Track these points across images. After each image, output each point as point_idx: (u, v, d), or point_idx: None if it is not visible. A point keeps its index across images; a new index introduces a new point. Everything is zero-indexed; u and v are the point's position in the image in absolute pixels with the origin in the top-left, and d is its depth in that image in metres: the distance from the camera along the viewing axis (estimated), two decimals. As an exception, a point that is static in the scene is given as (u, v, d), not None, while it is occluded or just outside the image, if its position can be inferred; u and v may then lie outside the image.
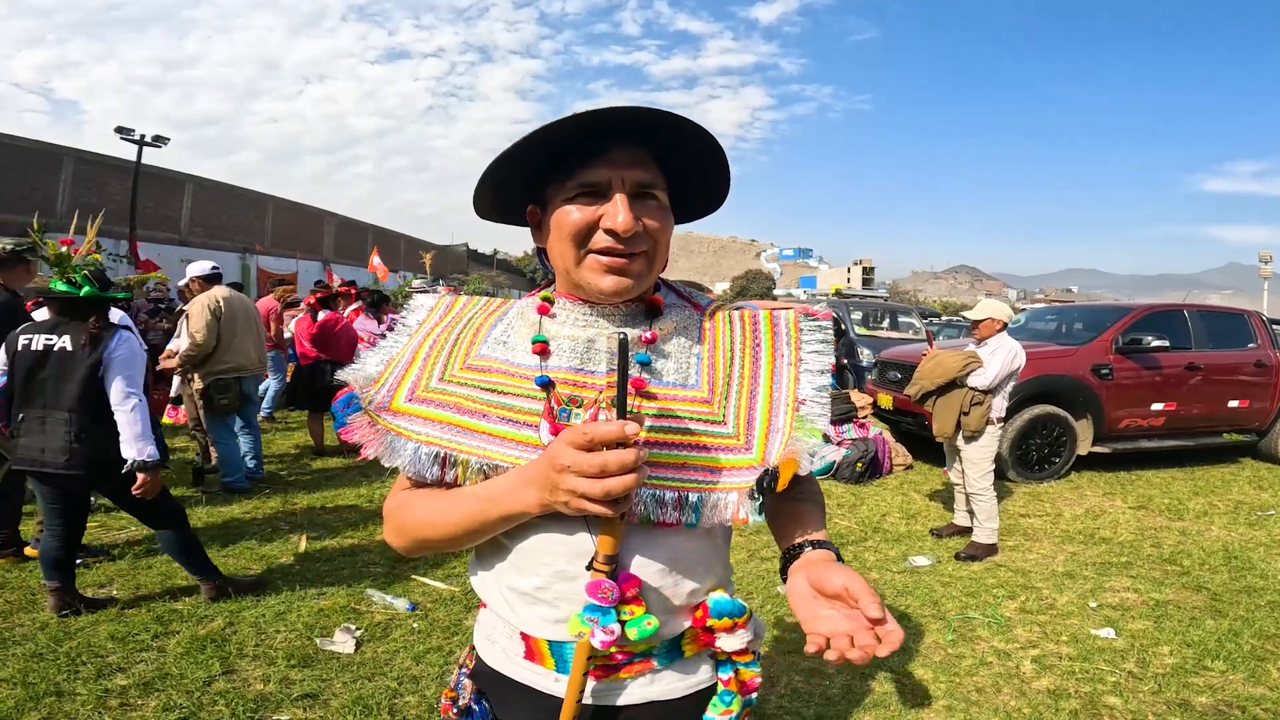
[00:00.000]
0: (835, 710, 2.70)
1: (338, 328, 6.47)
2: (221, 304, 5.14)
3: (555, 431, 0.86)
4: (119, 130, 19.79)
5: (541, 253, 0.99)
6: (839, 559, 0.89)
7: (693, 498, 0.87)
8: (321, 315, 6.49)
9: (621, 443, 0.72)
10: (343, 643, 3.01)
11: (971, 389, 4.42)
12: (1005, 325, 4.56)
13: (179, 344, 5.18)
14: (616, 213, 0.84)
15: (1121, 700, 2.78)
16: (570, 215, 0.87)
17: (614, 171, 0.85)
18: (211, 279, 5.40)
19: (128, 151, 20.60)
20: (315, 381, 6.36)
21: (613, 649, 0.89)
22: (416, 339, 1.02)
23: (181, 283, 5.70)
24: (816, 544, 0.90)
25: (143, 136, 20.07)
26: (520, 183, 0.93)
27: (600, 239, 0.86)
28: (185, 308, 5.31)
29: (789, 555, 0.91)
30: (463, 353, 0.98)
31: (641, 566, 0.89)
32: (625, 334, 0.79)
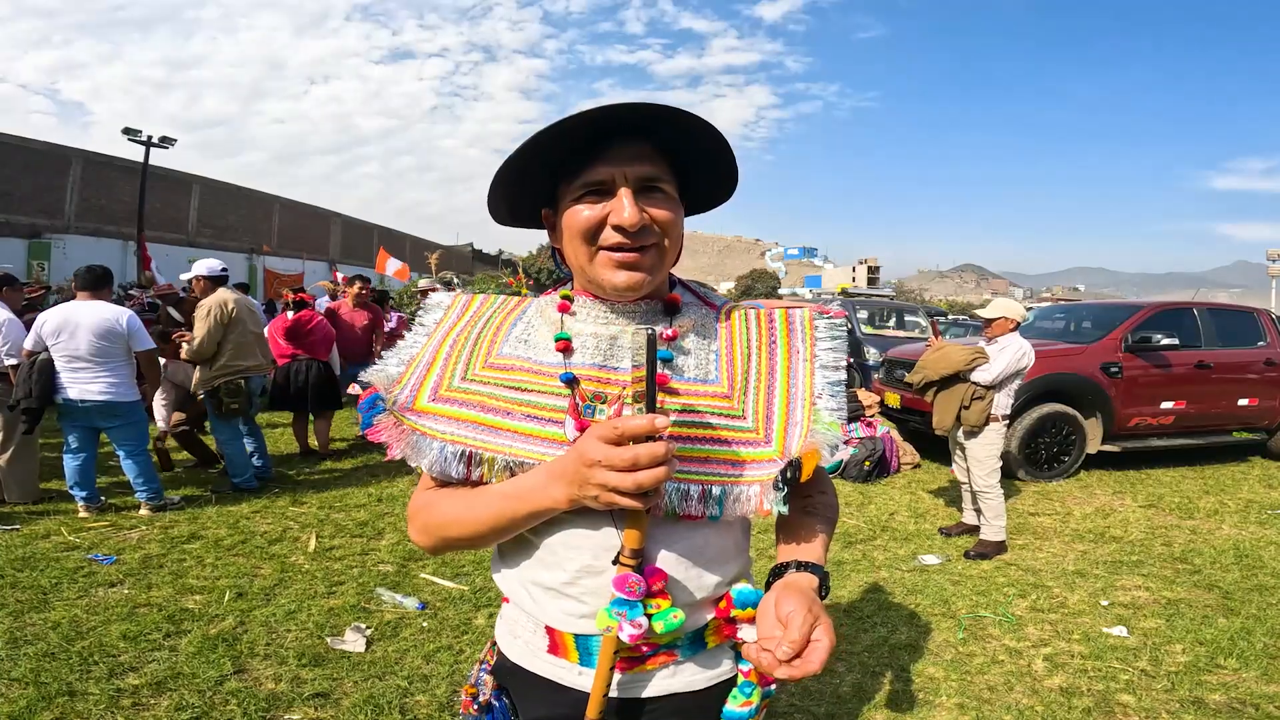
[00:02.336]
0: (846, 708, 2.69)
1: (309, 325, 6.38)
2: (231, 306, 5.14)
3: (581, 428, 0.87)
4: (126, 132, 19.92)
5: (556, 252, 1.00)
6: (822, 583, 0.88)
7: (716, 491, 0.88)
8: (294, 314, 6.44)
9: (651, 436, 0.73)
10: (353, 642, 3.02)
11: (974, 384, 4.41)
12: (1018, 325, 4.55)
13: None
14: (622, 209, 0.85)
15: (1135, 698, 2.77)
16: (579, 215, 0.88)
17: (617, 168, 0.86)
18: (218, 280, 5.40)
19: (135, 153, 20.72)
20: (291, 382, 6.31)
21: (639, 642, 0.90)
22: (436, 339, 1.02)
23: (184, 277, 5.69)
24: (802, 565, 0.90)
25: (150, 138, 20.19)
26: (531, 187, 0.94)
27: (609, 235, 0.88)
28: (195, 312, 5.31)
29: (775, 572, 0.92)
30: (484, 352, 0.99)
31: (666, 560, 0.90)
32: (654, 329, 0.79)
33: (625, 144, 0.87)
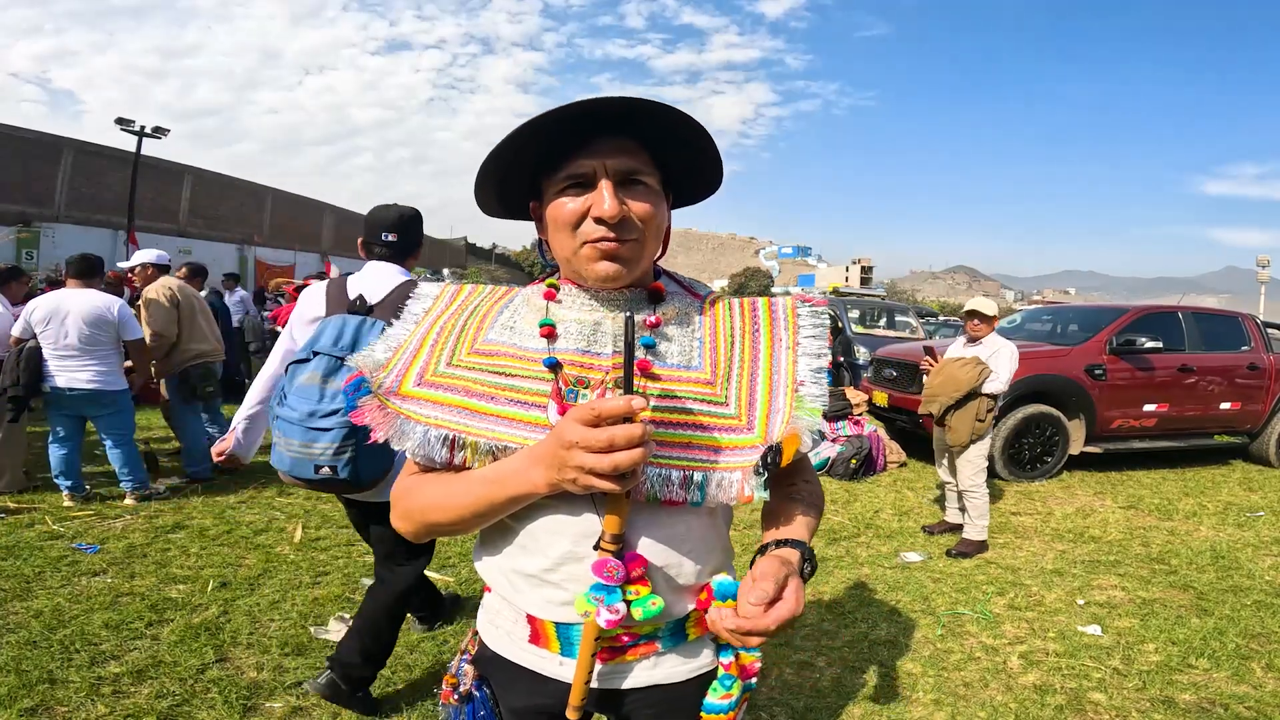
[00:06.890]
0: (825, 702, 2.73)
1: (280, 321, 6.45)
2: (177, 292, 5.21)
3: (563, 412, 0.87)
4: (119, 121, 19.76)
5: (542, 244, 1.01)
6: (806, 559, 0.89)
7: (698, 476, 0.88)
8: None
9: (628, 418, 0.73)
10: (336, 631, 3.03)
11: (986, 396, 4.43)
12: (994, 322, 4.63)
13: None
14: (602, 201, 0.87)
15: (1106, 696, 2.81)
16: (563, 207, 0.90)
17: (597, 161, 0.88)
18: (162, 268, 5.46)
19: (127, 142, 20.56)
20: None
21: (618, 630, 0.91)
22: (424, 326, 1.04)
23: (123, 265, 5.73)
24: (783, 542, 0.90)
25: (142, 128, 20.03)
26: (519, 180, 0.96)
27: (591, 227, 0.89)
28: (141, 299, 5.34)
29: (760, 552, 0.92)
30: (470, 338, 1.00)
31: (647, 546, 0.91)
32: (633, 314, 0.81)
33: (607, 137, 0.88)
